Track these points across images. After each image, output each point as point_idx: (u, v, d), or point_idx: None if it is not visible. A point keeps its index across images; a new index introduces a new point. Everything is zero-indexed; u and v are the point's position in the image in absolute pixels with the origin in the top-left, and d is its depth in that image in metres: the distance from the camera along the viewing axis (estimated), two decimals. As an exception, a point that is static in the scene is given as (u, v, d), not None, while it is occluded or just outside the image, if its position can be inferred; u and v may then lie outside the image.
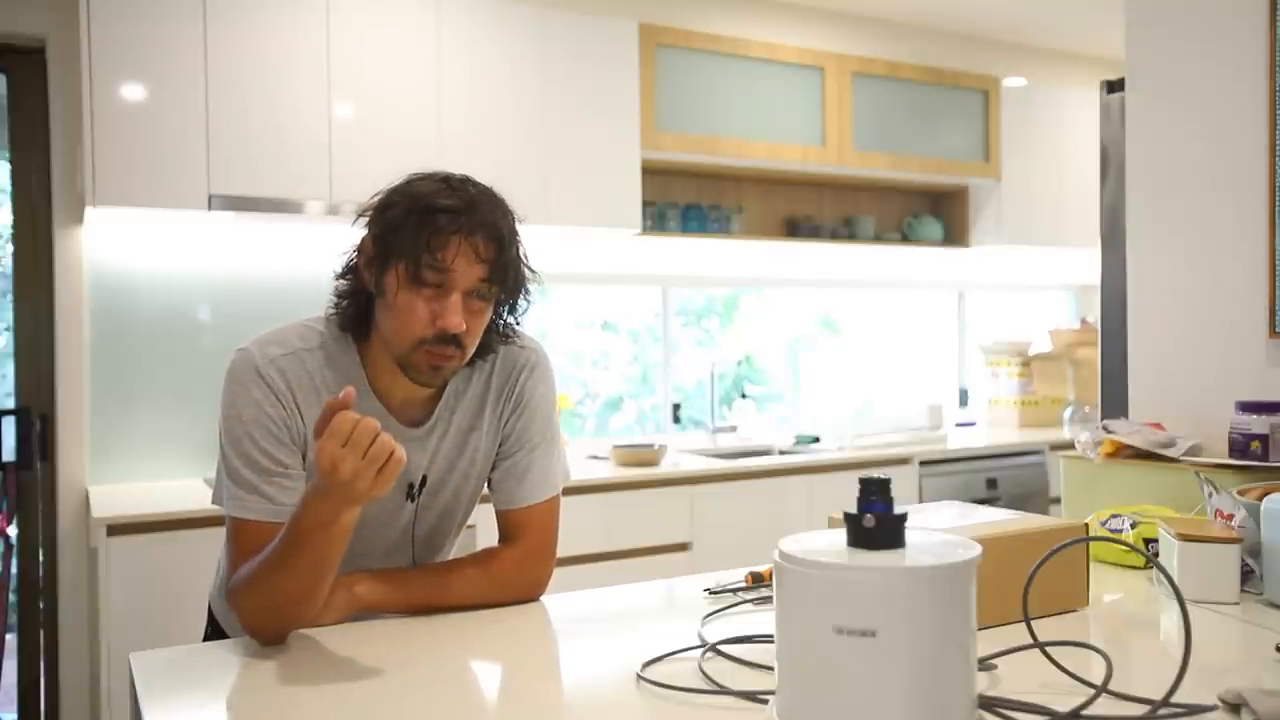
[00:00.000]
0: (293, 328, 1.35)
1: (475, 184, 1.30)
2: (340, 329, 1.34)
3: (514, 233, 1.30)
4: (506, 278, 1.29)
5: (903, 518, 0.85)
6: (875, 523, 0.83)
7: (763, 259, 4.25)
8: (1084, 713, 0.91)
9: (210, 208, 2.82)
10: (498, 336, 1.38)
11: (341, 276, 1.35)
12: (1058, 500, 3.12)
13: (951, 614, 0.81)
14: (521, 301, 1.37)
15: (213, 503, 1.32)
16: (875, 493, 0.84)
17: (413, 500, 1.40)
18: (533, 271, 1.35)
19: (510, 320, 1.38)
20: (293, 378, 1.29)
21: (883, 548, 0.83)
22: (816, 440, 3.96)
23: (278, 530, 1.19)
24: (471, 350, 1.31)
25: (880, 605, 0.79)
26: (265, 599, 1.16)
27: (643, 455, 3.36)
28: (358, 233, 1.33)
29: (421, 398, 1.36)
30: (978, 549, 0.85)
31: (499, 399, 1.42)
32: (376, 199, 1.31)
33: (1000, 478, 3.98)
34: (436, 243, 1.22)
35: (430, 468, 1.39)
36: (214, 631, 1.51)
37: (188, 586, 2.57)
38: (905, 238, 4.50)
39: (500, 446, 1.43)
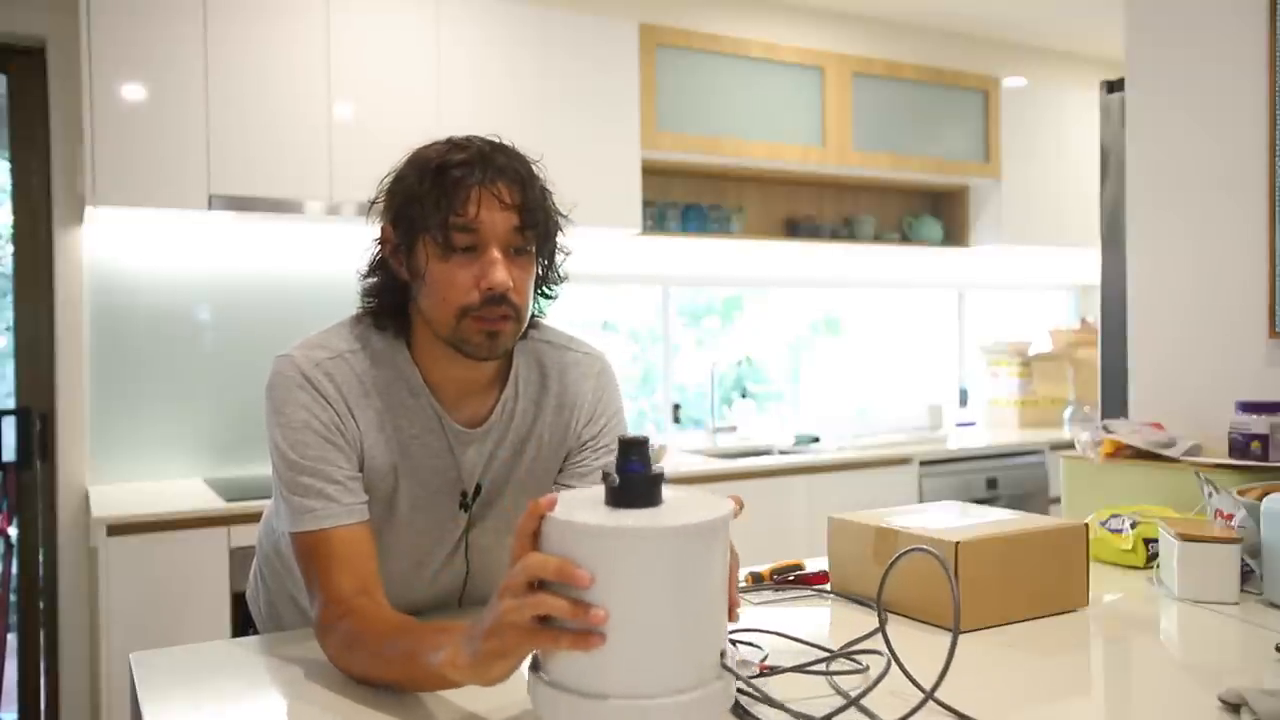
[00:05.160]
0: (332, 331, 1.26)
1: (484, 138, 1.22)
2: (379, 328, 1.26)
3: (537, 177, 1.21)
4: (539, 221, 1.19)
5: (657, 478, 0.86)
6: (621, 482, 0.85)
7: (763, 259, 4.25)
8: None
9: (210, 208, 2.81)
10: (543, 299, 1.29)
11: (369, 274, 1.26)
12: (1058, 500, 3.12)
13: (669, 573, 0.81)
14: (558, 249, 1.27)
15: (282, 530, 1.23)
16: (634, 454, 0.85)
17: (466, 510, 1.31)
18: (564, 216, 1.25)
19: (551, 282, 1.29)
20: (341, 381, 1.21)
21: (637, 506, 0.85)
22: (816, 440, 3.96)
23: (355, 532, 1.15)
24: (526, 312, 1.21)
25: (594, 561, 0.81)
26: (357, 676, 1.06)
27: (643, 455, 3.36)
28: (375, 228, 1.26)
29: (477, 391, 1.27)
30: (709, 515, 0.84)
31: (561, 408, 1.33)
32: (385, 182, 1.22)
33: (1000, 478, 3.98)
34: (458, 198, 1.14)
35: (485, 475, 1.30)
36: (252, 630, 1.51)
37: (188, 586, 2.58)
38: (905, 238, 4.50)
39: (574, 455, 1.34)
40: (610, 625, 0.80)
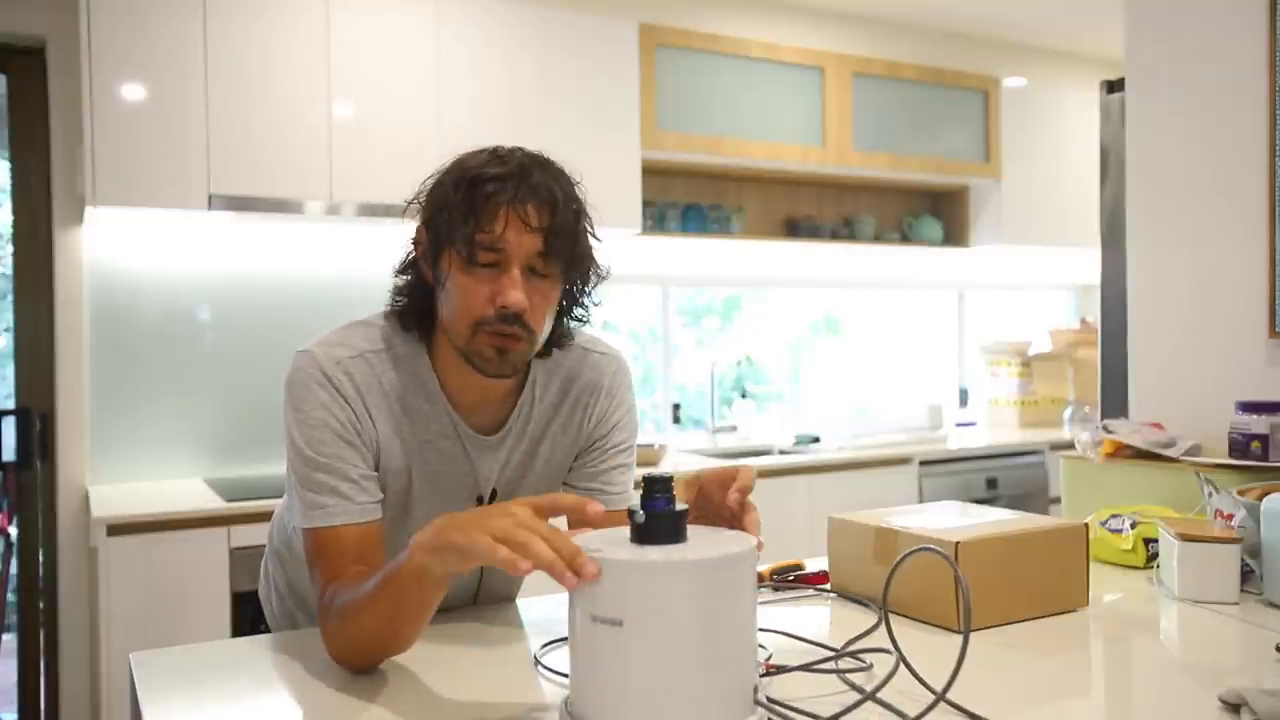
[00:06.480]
0: (354, 328, 1.25)
1: (527, 152, 1.20)
2: (403, 328, 1.25)
3: (572, 200, 1.20)
4: (565, 247, 1.17)
5: (682, 514, 0.88)
6: (646, 519, 0.87)
7: (763, 259, 4.25)
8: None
9: (210, 208, 2.81)
10: (574, 322, 1.30)
11: (401, 272, 1.26)
12: (1058, 500, 3.12)
13: (697, 607, 0.82)
14: (591, 280, 1.26)
15: (295, 525, 1.24)
16: (659, 490, 0.88)
17: None
18: (599, 240, 1.24)
19: (582, 306, 1.30)
20: (360, 380, 1.20)
21: (662, 543, 0.87)
22: (816, 440, 3.96)
23: (366, 531, 1.16)
24: (541, 335, 1.20)
25: (622, 596, 0.83)
26: (354, 635, 1.07)
27: (643, 455, 3.36)
28: (413, 226, 1.24)
29: (494, 400, 1.27)
30: (736, 549, 0.86)
31: (575, 408, 1.33)
32: (426, 183, 1.21)
33: (1000, 478, 3.98)
34: (485, 215, 1.13)
35: (500, 480, 1.30)
36: (264, 627, 1.51)
37: (188, 586, 2.58)
38: (905, 238, 4.50)
39: (584, 455, 1.35)
40: (641, 661, 0.81)
